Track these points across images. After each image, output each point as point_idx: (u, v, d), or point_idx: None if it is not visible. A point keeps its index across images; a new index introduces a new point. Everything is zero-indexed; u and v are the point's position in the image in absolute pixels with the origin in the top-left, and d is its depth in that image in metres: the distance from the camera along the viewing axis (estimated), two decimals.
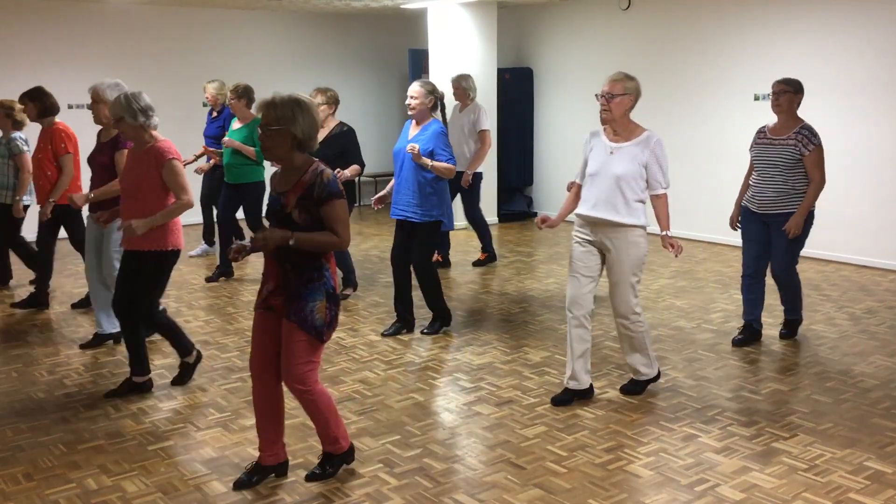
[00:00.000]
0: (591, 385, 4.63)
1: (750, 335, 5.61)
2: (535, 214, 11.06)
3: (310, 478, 3.70)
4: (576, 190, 4.67)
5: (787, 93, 5.35)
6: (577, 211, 4.54)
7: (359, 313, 6.43)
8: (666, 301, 6.70)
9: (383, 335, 5.86)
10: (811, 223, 5.39)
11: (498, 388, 4.83)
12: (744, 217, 5.58)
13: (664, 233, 4.50)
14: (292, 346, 3.46)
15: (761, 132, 5.51)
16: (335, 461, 3.75)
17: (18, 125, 6.85)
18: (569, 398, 4.56)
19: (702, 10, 8.93)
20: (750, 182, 5.53)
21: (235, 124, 7.43)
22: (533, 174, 11.06)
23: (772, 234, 5.41)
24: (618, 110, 4.37)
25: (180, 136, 9.61)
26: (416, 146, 5.44)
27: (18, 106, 6.62)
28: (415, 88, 5.59)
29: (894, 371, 5.03)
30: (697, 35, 9.00)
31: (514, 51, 11.20)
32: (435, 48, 10.02)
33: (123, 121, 4.52)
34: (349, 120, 8.56)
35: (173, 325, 4.92)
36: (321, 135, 6.24)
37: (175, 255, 4.70)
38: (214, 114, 8.14)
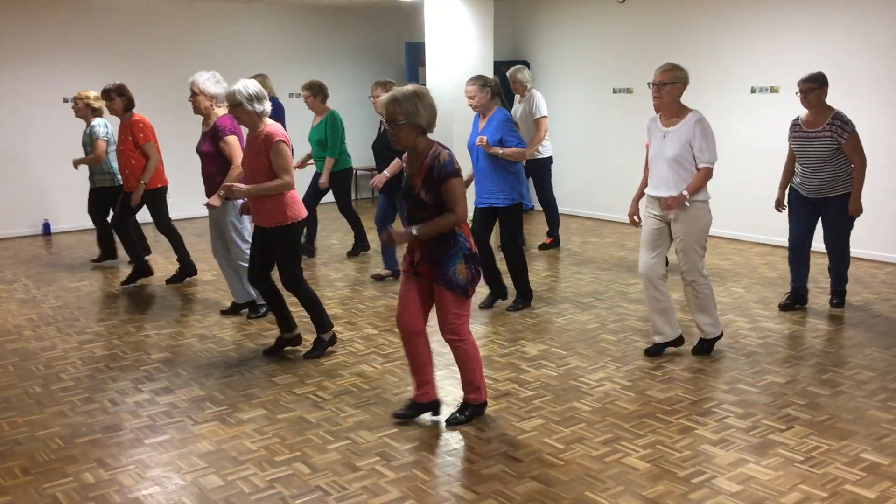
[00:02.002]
0: (679, 335, 5.19)
1: (796, 299, 6.16)
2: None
3: (450, 422, 4.15)
4: (646, 173, 5.11)
5: (815, 90, 5.75)
6: (646, 191, 5.03)
7: (356, 307, 6.43)
8: None
9: (480, 307, 6.28)
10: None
11: (495, 381, 4.83)
12: (793, 199, 6.03)
13: (682, 191, 4.83)
14: (445, 305, 3.98)
15: (796, 125, 5.91)
16: (472, 409, 4.20)
17: (98, 112, 7.47)
18: (658, 349, 5.17)
19: (698, 3, 8.92)
20: (795, 171, 5.95)
21: (315, 120, 7.80)
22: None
23: (823, 213, 5.88)
24: (668, 98, 4.82)
25: (173, 126, 9.62)
26: (485, 138, 5.84)
27: (93, 94, 7.39)
28: (469, 88, 5.96)
29: (890, 363, 5.04)
30: (694, 27, 8.99)
31: (511, 44, 11.18)
32: (431, 41, 10.00)
33: (241, 107, 4.86)
34: (344, 113, 8.60)
35: (315, 298, 5.23)
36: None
37: (300, 225, 5.08)
38: None
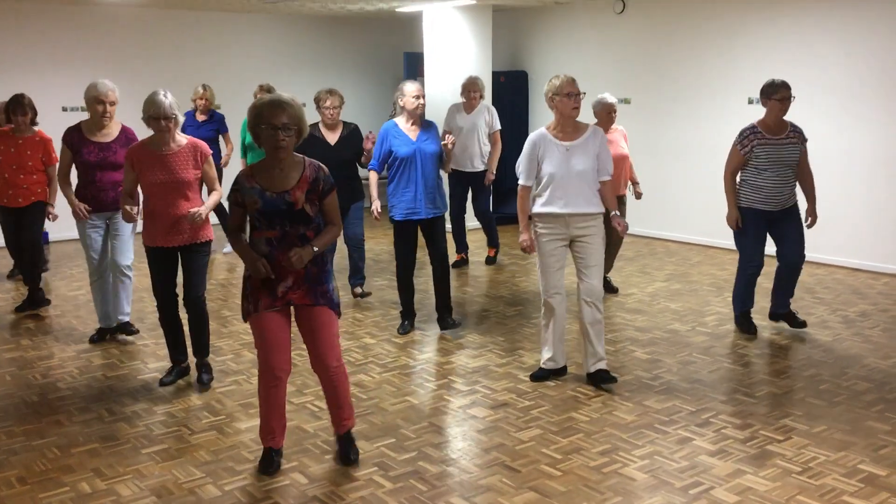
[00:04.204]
0: (565, 365, 5.02)
1: (750, 326, 5.86)
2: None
3: (353, 461, 3.87)
4: (526, 194, 4.87)
5: (792, 97, 5.59)
6: (546, 210, 4.75)
7: (354, 317, 6.42)
8: (660, 304, 6.71)
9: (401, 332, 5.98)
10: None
11: (493, 391, 4.83)
12: (753, 218, 5.62)
13: (613, 212, 4.81)
14: (331, 328, 3.73)
15: (757, 132, 5.56)
16: (353, 437, 3.98)
17: None
18: (545, 375, 4.98)
19: (696, 14, 8.95)
20: (760, 183, 5.56)
21: None
22: None
23: (784, 226, 5.65)
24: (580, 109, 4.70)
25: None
26: (453, 139, 5.83)
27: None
28: (421, 89, 5.75)
29: (888, 374, 5.04)
30: (692, 38, 9.02)
31: (510, 54, 11.21)
32: (430, 51, 10.03)
33: (174, 119, 4.65)
34: None
35: (208, 320, 5.09)
36: (335, 137, 6.36)
37: (208, 244, 4.94)
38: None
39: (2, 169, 6.45)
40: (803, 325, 5.85)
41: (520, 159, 4.83)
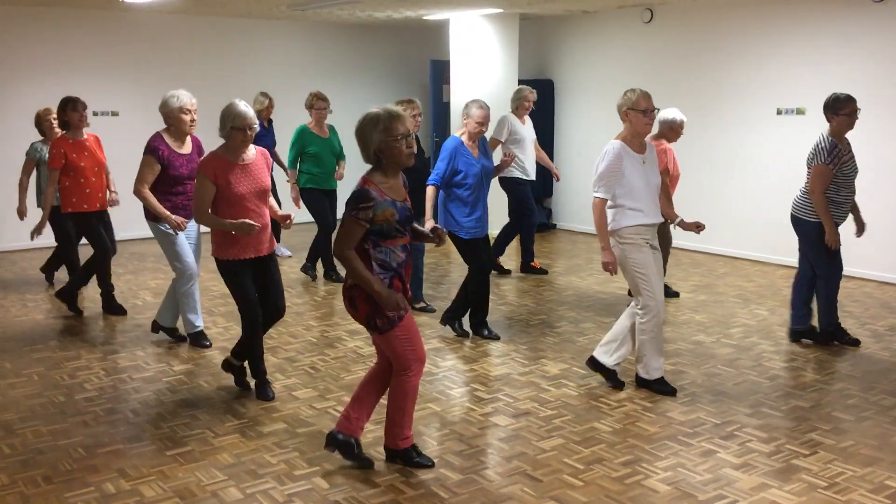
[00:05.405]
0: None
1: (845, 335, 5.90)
2: (555, 226, 11.05)
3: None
4: (605, 208, 4.74)
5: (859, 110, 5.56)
6: (643, 221, 4.72)
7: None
8: (685, 315, 6.66)
9: (491, 337, 6.01)
10: None
11: (515, 399, 4.82)
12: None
13: (680, 219, 5.57)
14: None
15: (839, 148, 5.49)
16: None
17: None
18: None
19: (724, 24, 8.91)
20: (841, 199, 5.55)
21: (324, 133, 7.72)
22: (553, 186, 11.05)
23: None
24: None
25: (205, 145, 9.73)
26: (514, 153, 6.37)
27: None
28: (487, 116, 5.73)
29: None
30: (720, 48, 8.97)
31: (536, 62, 11.22)
32: (457, 59, 10.06)
33: (246, 131, 4.55)
34: None
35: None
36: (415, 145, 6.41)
37: None
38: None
39: (86, 175, 6.32)
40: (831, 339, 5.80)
41: (602, 170, 4.69)
